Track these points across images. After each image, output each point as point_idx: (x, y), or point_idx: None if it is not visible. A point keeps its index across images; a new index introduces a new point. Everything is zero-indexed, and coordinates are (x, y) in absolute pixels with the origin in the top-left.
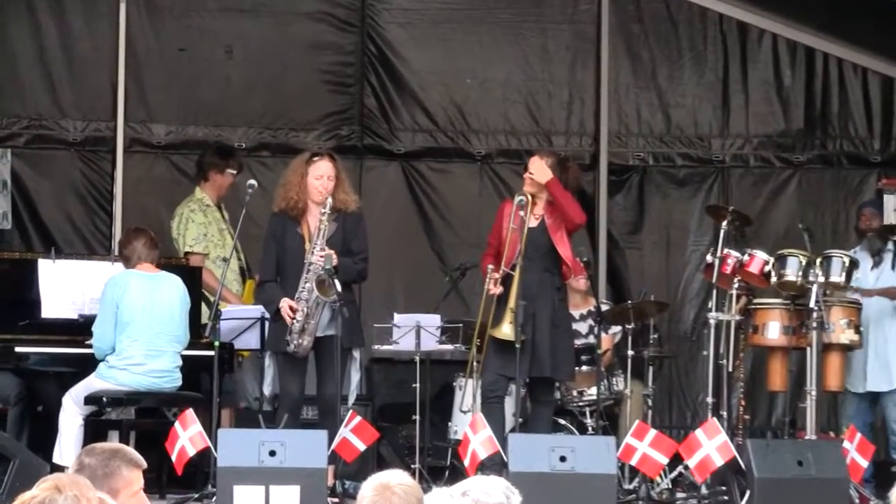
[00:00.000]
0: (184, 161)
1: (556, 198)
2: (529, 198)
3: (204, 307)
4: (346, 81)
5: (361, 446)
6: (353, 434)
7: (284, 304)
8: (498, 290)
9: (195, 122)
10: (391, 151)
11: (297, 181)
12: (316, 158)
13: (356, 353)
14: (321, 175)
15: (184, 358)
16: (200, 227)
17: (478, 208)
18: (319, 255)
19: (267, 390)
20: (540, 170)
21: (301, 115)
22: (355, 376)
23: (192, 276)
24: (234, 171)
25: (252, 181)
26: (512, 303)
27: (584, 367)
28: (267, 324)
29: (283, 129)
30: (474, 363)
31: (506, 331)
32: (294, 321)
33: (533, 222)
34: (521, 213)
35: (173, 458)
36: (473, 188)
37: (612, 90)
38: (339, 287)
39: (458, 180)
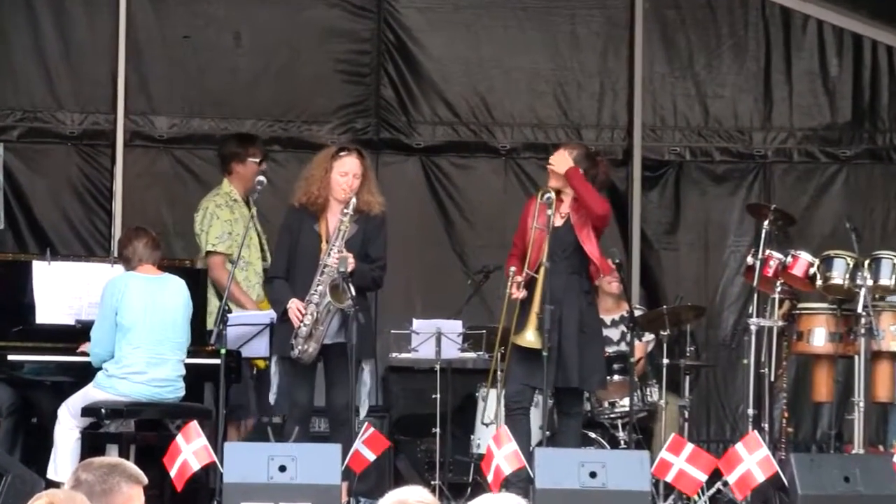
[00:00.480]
0: (188, 156)
1: (575, 187)
2: (554, 195)
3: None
4: (362, 71)
5: (371, 456)
6: (364, 445)
7: (293, 304)
8: (521, 293)
9: (200, 115)
10: (409, 146)
11: (320, 175)
12: (343, 153)
13: (366, 363)
14: (346, 172)
15: (186, 367)
16: (226, 224)
17: (502, 206)
18: (335, 258)
19: (272, 399)
20: (560, 159)
21: (313, 107)
22: (365, 386)
23: (195, 279)
24: (257, 160)
25: (261, 177)
26: (537, 307)
27: (616, 377)
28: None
29: (294, 121)
30: (497, 372)
31: (529, 338)
32: (301, 325)
33: (558, 220)
34: (548, 211)
35: (172, 473)
36: (498, 185)
37: (646, 80)
38: (352, 292)
39: (482, 176)
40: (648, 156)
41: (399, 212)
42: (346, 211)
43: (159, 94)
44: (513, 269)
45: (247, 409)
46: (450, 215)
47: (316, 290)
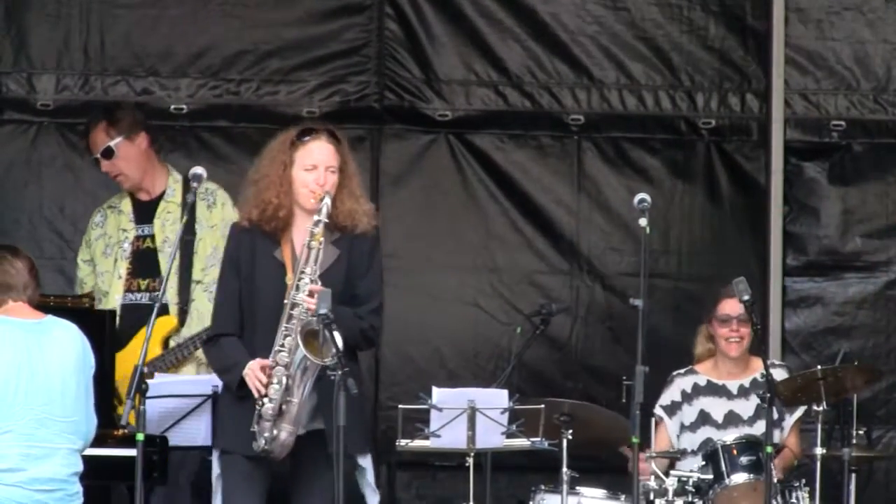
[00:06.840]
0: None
1: None
2: None
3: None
4: (355, 1)
5: None
6: None
7: (254, 366)
8: None
9: (104, 73)
10: (430, 117)
11: (277, 175)
12: (307, 138)
13: (365, 461)
14: (315, 164)
15: (85, 460)
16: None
17: (574, 211)
18: (309, 292)
19: None
20: None
21: (279, 59)
22: (373, 500)
23: (99, 327)
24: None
25: (197, 169)
26: None
27: (743, 476)
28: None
29: (250, 81)
30: (565, 472)
31: None
32: (265, 398)
33: None
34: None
35: None
36: (568, 179)
37: (792, 6)
38: (339, 343)
39: (544, 166)
40: (795, 137)
41: (413, 221)
42: (317, 219)
43: (41, 42)
44: None
45: None
46: (492, 226)
47: (283, 344)
